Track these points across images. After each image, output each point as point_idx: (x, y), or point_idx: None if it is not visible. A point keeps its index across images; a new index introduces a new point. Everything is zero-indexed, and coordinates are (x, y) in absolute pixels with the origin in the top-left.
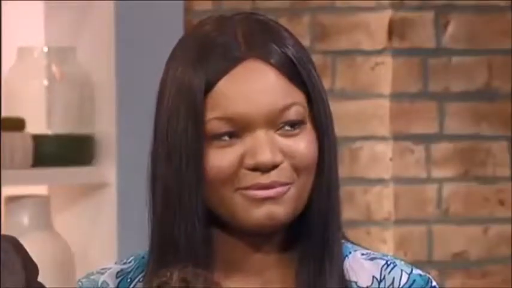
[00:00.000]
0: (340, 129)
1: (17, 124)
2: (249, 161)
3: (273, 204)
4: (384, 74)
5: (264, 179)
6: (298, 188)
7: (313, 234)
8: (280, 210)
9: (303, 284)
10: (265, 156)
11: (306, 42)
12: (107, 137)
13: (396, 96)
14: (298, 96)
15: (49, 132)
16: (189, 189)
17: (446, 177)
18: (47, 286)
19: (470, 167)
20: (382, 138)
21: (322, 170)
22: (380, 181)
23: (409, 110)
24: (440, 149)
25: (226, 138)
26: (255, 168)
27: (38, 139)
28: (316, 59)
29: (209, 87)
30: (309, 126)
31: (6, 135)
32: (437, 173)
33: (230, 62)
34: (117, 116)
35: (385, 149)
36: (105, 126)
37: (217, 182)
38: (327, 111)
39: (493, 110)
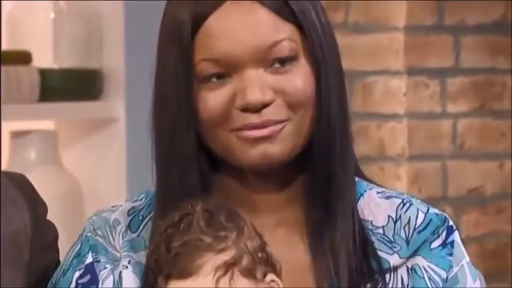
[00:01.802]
0: (353, 63)
1: (23, 57)
2: (239, 101)
3: (267, 144)
4: (398, 6)
5: (256, 118)
6: (295, 124)
7: (317, 170)
8: (276, 149)
9: (313, 224)
10: (254, 95)
11: None
12: (115, 70)
13: (411, 29)
14: (289, 31)
15: (55, 66)
16: (181, 133)
17: (461, 111)
18: (55, 223)
19: (486, 101)
20: (396, 73)
21: (320, 104)
22: (394, 116)
23: (423, 44)
24: (456, 83)
25: (215, 79)
26: (245, 109)
27: (44, 73)
28: None
29: (197, 26)
30: (303, 61)
31: (12, 69)
32: (452, 107)
33: (216, 0)
34: (126, 49)
35: (399, 84)
36: (113, 60)
37: (211, 123)
38: (324, 44)
39: (509, 42)
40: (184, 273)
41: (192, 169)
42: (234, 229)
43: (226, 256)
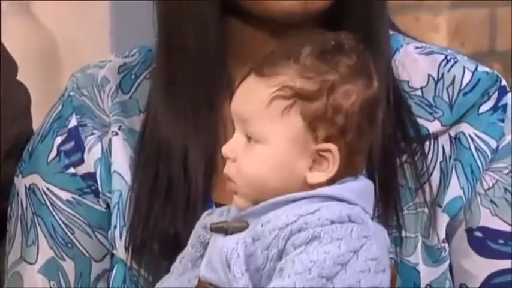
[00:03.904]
0: None
1: None
2: None
3: None
4: None
5: None
6: None
7: (352, 23)
8: None
9: None
10: None
11: None
12: None
13: None
14: None
15: None
16: None
17: None
18: (26, 85)
19: None
20: None
21: None
22: None
23: None
24: None
25: None
26: None
27: None
28: None
29: None
30: None
31: None
32: None
33: None
34: None
35: None
36: None
37: None
38: None
39: None
40: (262, 71)
41: (208, 18)
42: (339, 74)
43: (302, 85)
